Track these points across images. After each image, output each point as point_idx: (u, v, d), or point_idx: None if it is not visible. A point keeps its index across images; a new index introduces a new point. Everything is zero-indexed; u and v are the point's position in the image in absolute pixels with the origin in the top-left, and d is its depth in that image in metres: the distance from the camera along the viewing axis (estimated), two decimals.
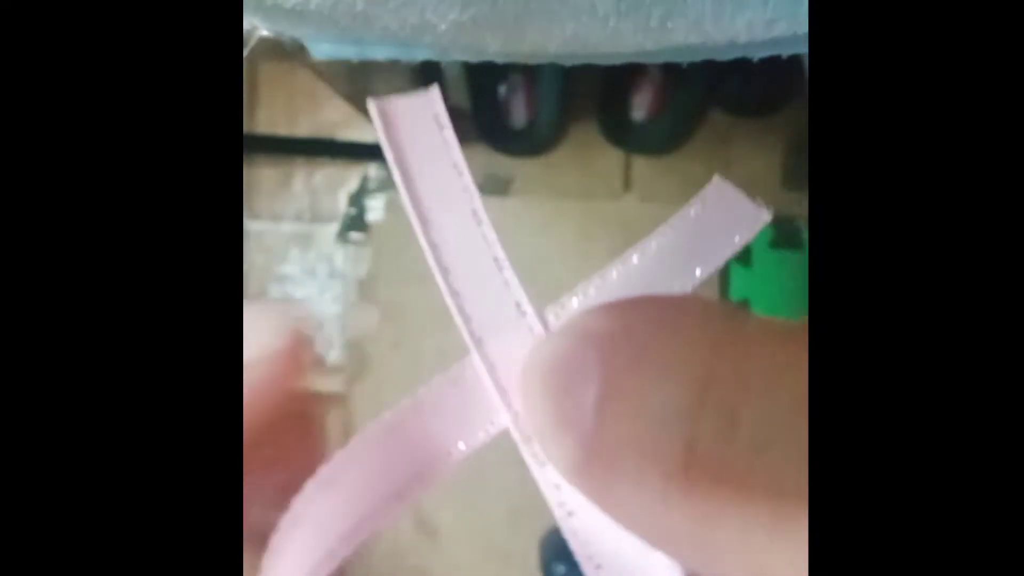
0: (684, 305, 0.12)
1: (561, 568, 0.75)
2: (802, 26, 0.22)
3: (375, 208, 0.77)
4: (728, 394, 0.10)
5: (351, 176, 0.78)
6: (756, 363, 0.11)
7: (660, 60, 0.23)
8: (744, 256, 0.72)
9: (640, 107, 0.71)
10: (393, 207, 0.77)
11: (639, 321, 0.11)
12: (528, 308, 0.13)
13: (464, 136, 0.13)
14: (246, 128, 0.75)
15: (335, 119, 0.77)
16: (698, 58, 0.24)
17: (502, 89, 0.69)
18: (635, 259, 0.13)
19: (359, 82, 0.58)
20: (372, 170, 0.78)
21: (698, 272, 0.13)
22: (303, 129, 0.78)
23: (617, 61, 0.24)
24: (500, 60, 0.25)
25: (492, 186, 0.74)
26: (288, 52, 0.26)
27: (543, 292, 0.13)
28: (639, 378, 0.11)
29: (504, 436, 0.13)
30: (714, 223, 0.13)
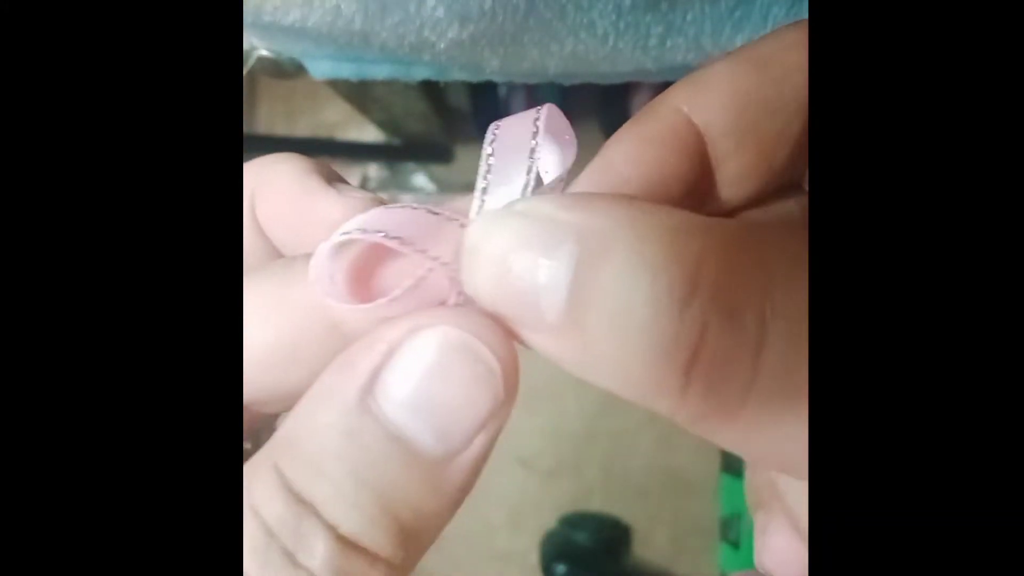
0: (655, 206, 0.11)
1: (561, 568, 0.75)
2: None
3: None
4: (723, 290, 0.10)
5: (351, 176, 0.78)
6: (750, 258, 0.10)
7: (659, 79, 0.23)
8: None
9: (640, 107, 0.71)
10: None
11: (611, 216, 0.11)
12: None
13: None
14: (245, 128, 0.75)
15: (335, 119, 0.77)
16: None
17: (502, 89, 0.69)
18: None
19: (359, 85, 0.57)
20: (372, 170, 0.78)
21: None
22: (303, 129, 0.78)
23: (616, 81, 0.24)
24: (499, 79, 0.25)
25: None
26: (286, 71, 0.26)
27: None
28: (618, 270, 0.10)
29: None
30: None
